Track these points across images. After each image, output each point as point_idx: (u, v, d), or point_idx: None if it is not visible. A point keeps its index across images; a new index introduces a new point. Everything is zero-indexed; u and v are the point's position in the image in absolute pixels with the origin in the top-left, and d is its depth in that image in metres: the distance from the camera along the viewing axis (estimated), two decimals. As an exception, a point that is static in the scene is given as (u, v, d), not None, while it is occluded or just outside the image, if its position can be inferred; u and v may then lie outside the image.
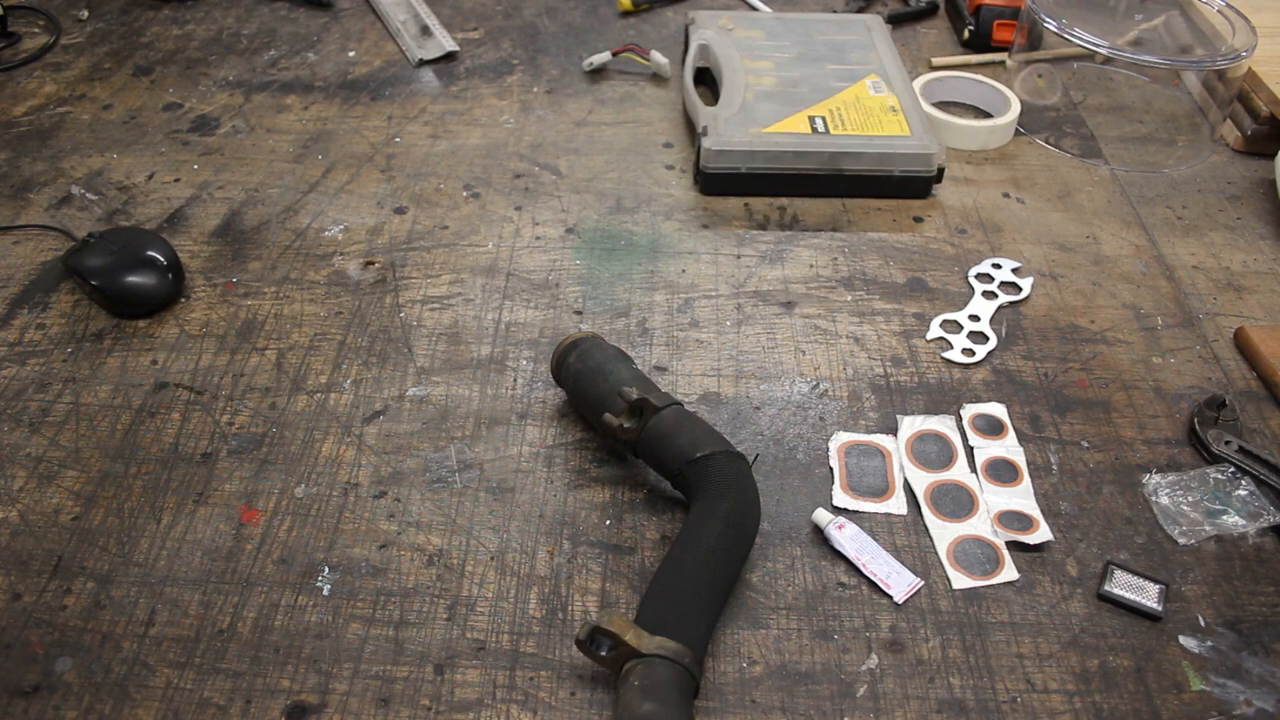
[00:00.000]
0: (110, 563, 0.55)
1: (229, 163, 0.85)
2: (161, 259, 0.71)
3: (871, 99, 0.86)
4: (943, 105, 0.93)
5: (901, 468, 0.61)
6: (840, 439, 0.63)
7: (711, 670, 0.51)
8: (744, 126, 0.82)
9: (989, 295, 0.73)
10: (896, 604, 0.54)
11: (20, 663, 0.51)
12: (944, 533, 0.58)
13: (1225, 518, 0.58)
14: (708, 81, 0.93)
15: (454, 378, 0.66)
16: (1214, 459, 0.62)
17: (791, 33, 0.95)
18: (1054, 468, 0.62)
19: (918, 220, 0.81)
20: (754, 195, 0.82)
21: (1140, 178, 0.86)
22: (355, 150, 0.87)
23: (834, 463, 0.61)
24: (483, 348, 0.68)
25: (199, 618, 0.53)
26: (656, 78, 0.97)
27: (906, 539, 0.57)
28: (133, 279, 0.69)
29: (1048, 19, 0.87)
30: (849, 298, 0.73)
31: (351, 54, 1.00)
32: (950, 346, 0.69)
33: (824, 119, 0.83)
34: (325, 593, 0.54)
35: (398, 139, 0.88)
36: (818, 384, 0.67)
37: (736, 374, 0.67)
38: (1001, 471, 0.61)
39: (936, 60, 1.00)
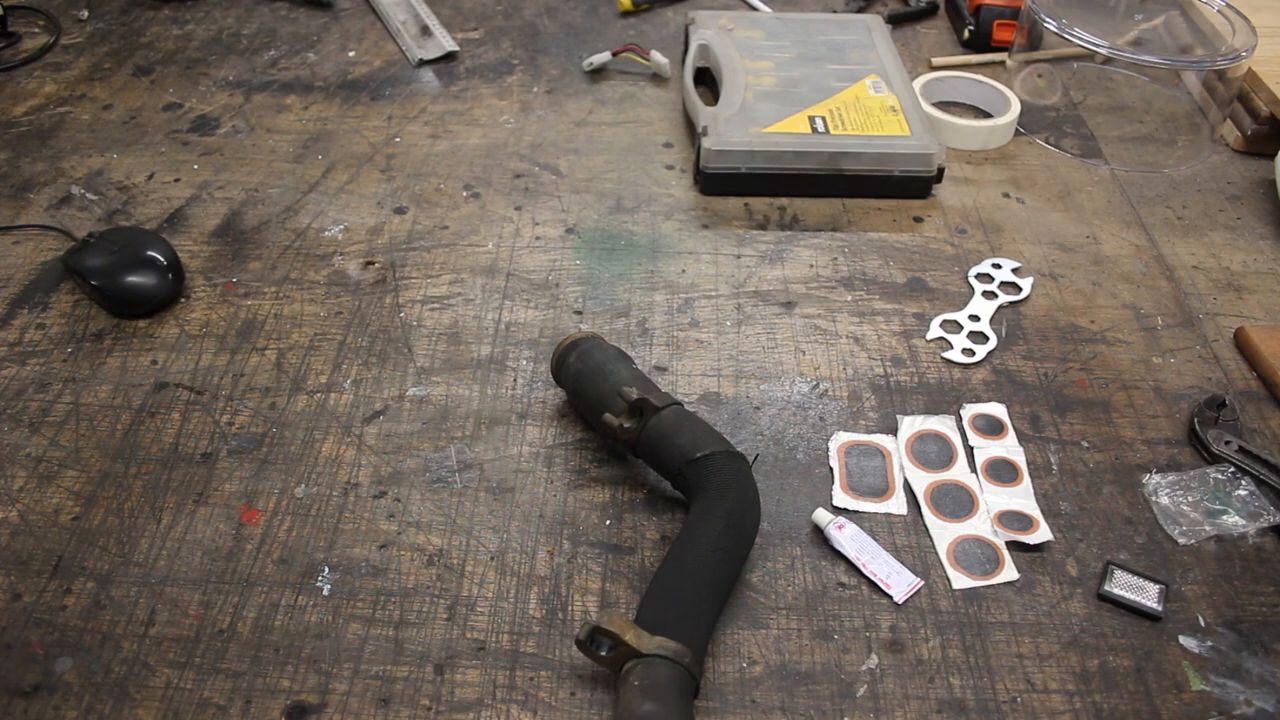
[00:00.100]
0: (110, 563, 0.55)
1: (229, 163, 0.85)
2: (161, 259, 0.71)
3: (871, 99, 0.86)
4: (943, 105, 0.93)
5: (901, 468, 0.61)
6: (840, 439, 0.63)
7: (711, 670, 0.51)
8: (744, 126, 0.82)
9: (989, 295, 0.73)
10: (896, 604, 0.54)
11: (20, 663, 0.51)
12: (944, 533, 0.58)
13: (1225, 518, 0.58)
14: (708, 81, 0.93)
15: (454, 378, 0.66)
16: (1214, 459, 0.62)
17: (791, 33, 0.95)
18: (1054, 468, 0.62)
19: (918, 220, 0.81)
20: (754, 195, 0.82)
21: (1140, 178, 0.86)
22: (355, 150, 0.87)
23: (834, 463, 0.61)
24: (483, 348, 0.68)
25: (199, 618, 0.53)
26: (656, 78, 0.97)
27: (906, 539, 0.57)
28: (133, 279, 0.69)
29: (1048, 19, 0.87)
30: (849, 298, 0.73)
31: (351, 54, 1.00)
32: (950, 346, 0.69)
33: (824, 119, 0.83)
34: (325, 593, 0.54)
35: (398, 139, 0.88)
36: (818, 384, 0.67)
37: (736, 374, 0.67)
38: (1001, 471, 0.61)
39: (936, 60, 1.00)
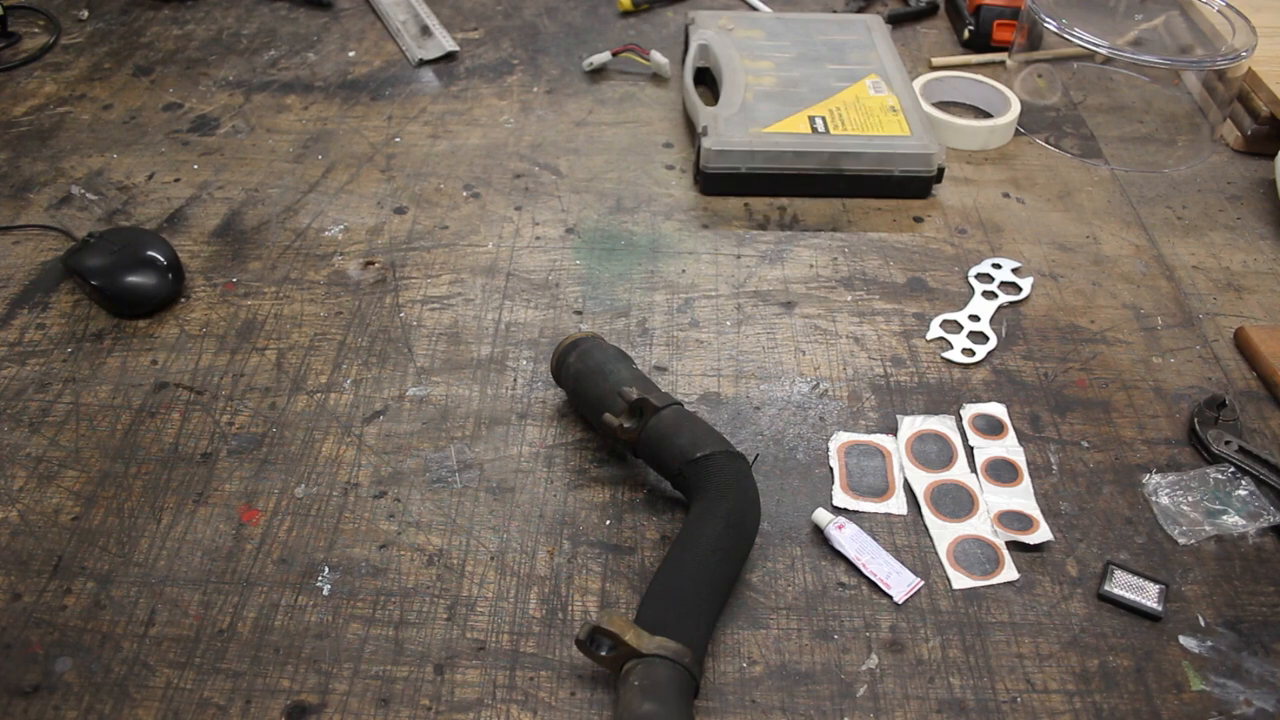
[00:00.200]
0: (110, 563, 0.55)
1: (229, 163, 0.85)
2: (161, 259, 0.71)
3: (871, 99, 0.86)
4: (943, 105, 0.93)
5: (901, 468, 0.61)
6: (840, 439, 0.63)
7: (711, 670, 0.51)
8: (744, 126, 0.82)
9: (989, 295, 0.73)
10: (896, 604, 0.54)
11: (20, 663, 0.51)
12: (944, 533, 0.58)
13: (1225, 518, 0.58)
14: (708, 81, 0.93)
15: (454, 378, 0.66)
16: (1214, 459, 0.62)
17: (791, 33, 0.95)
18: (1054, 468, 0.62)
19: (918, 220, 0.81)
20: (754, 195, 0.82)
21: (1140, 178, 0.86)
22: (355, 150, 0.87)
23: (834, 463, 0.61)
24: (483, 348, 0.68)
25: (199, 618, 0.53)
26: (656, 78, 0.97)
27: (906, 539, 0.57)
28: (133, 279, 0.69)
29: (1048, 19, 0.87)
30: (849, 298, 0.73)
31: (351, 54, 1.00)
32: (950, 346, 0.69)
33: (824, 119, 0.83)
34: (325, 593, 0.54)
35: (398, 139, 0.88)
36: (818, 384, 0.67)
37: (736, 374, 0.67)
38: (1001, 471, 0.61)
39: (936, 60, 1.00)
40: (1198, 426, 0.63)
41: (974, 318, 0.71)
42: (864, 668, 0.51)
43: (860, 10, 1.09)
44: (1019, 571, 0.56)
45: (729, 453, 0.55)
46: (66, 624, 0.52)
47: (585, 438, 0.63)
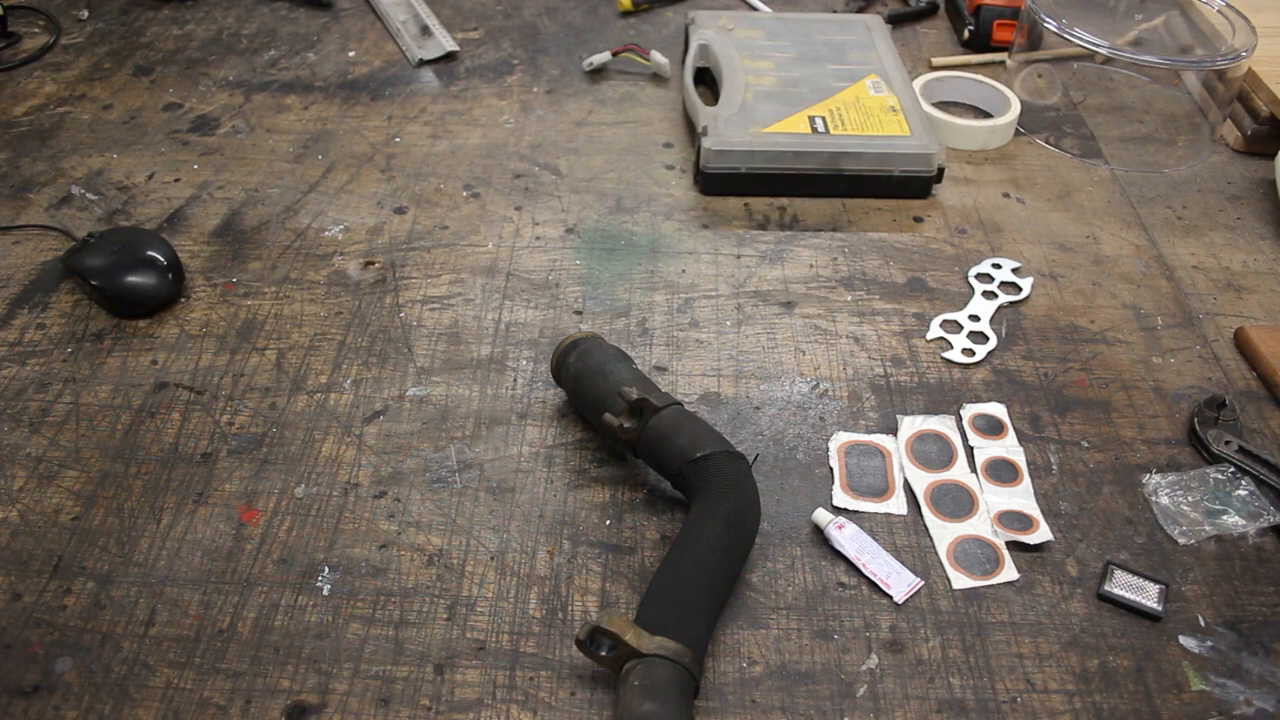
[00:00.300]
0: (110, 563, 0.55)
1: (229, 163, 0.85)
2: (161, 259, 0.71)
3: (871, 99, 0.86)
4: (943, 105, 0.93)
5: (901, 468, 0.61)
6: (840, 439, 0.63)
7: (711, 670, 0.51)
8: (744, 126, 0.82)
9: (989, 295, 0.73)
10: (896, 604, 0.54)
11: (20, 663, 0.51)
12: (944, 533, 0.58)
13: (1225, 518, 0.58)
14: (708, 81, 0.93)
15: (454, 378, 0.66)
16: (1214, 459, 0.62)
17: (791, 33, 0.95)
18: (1054, 468, 0.62)
19: (918, 220, 0.81)
20: (754, 195, 0.82)
21: (1140, 178, 0.86)
22: (355, 150, 0.87)
23: (834, 463, 0.61)
24: (483, 348, 0.68)
25: (199, 618, 0.53)
26: (656, 78, 0.97)
27: (906, 539, 0.57)
28: (133, 279, 0.69)
29: (1048, 19, 0.87)
30: (849, 298, 0.73)
31: (351, 54, 1.00)
32: (950, 346, 0.69)
33: (824, 119, 0.83)
34: (325, 593, 0.54)
35: (398, 139, 0.88)
36: (818, 384, 0.67)
37: (736, 374, 0.67)
38: (1001, 471, 0.61)
39: (936, 60, 1.00)
40: (1198, 426, 0.63)
41: (974, 318, 0.71)
42: (864, 668, 0.51)
43: (860, 10, 1.09)
44: (1019, 571, 0.56)
45: (729, 453, 0.55)
46: (66, 624, 0.52)
47: (585, 438, 0.63)
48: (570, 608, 0.54)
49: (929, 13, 1.08)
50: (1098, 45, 0.85)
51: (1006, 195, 0.84)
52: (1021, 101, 0.90)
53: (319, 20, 1.06)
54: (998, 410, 0.65)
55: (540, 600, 0.54)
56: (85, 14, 1.05)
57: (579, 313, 0.71)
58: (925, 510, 0.59)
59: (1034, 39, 0.95)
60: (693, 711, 0.48)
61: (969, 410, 0.65)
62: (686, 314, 0.71)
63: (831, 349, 0.69)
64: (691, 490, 0.55)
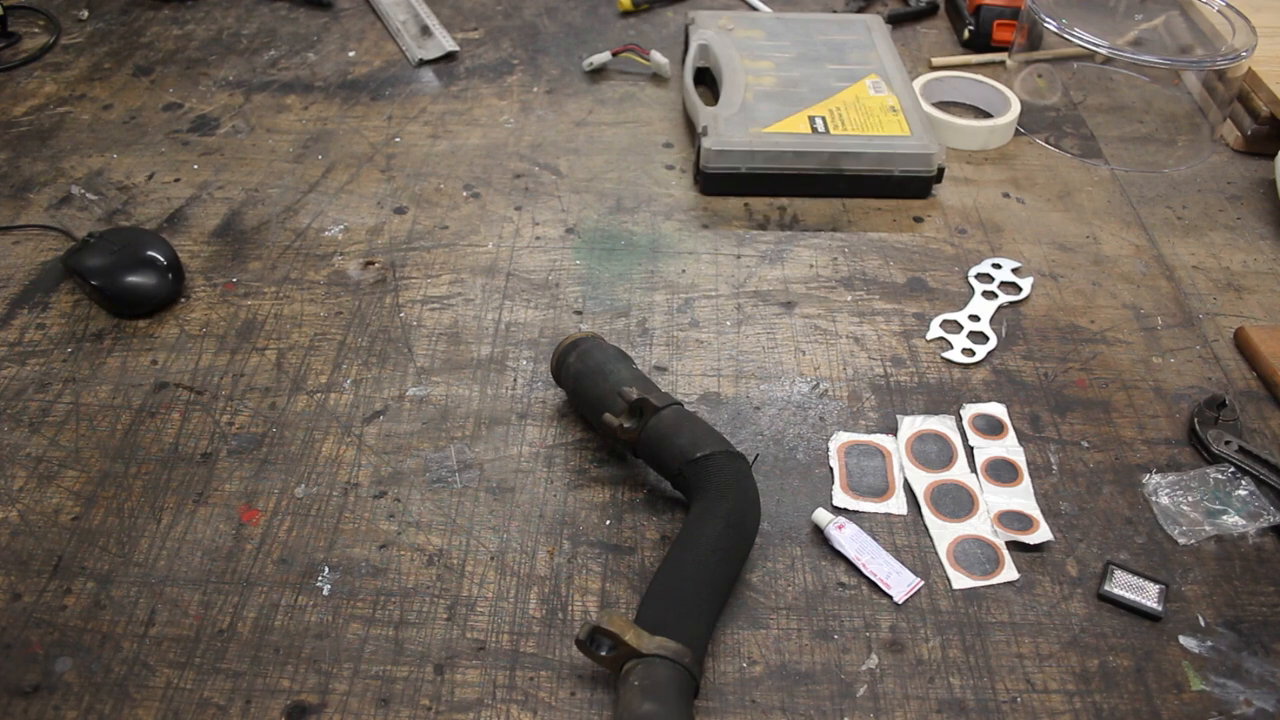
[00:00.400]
0: (110, 563, 0.55)
1: (229, 163, 0.85)
2: (161, 259, 0.71)
3: (871, 99, 0.86)
4: (943, 105, 0.93)
5: (901, 468, 0.61)
6: (840, 439, 0.63)
7: (711, 670, 0.51)
8: (744, 126, 0.82)
9: (989, 295, 0.73)
10: (896, 604, 0.54)
11: (20, 663, 0.51)
12: (944, 533, 0.58)
13: (1225, 518, 0.58)
14: (708, 81, 0.93)
15: (454, 378, 0.66)
16: (1214, 459, 0.62)
17: (791, 33, 0.95)
18: (1054, 468, 0.62)
19: (918, 220, 0.81)
20: (754, 195, 0.82)
21: (1140, 178, 0.86)
22: (355, 150, 0.87)
23: (834, 463, 0.61)
24: (483, 348, 0.68)
25: (199, 618, 0.53)
26: (656, 78, 0.97)
27: (906, 539, 0.57)
28: (133, 279, 0.69)
29: (1048, 19, 0.87)
30: (849, 298, 0.73)
31: (351, 54, 1.00)
32: (950, 346, 0.69)
33: (824, 119, 0.83)
34: (325, 593, 0.54)
35: (398, 139, 0.88)
36: (818, 384, 0.67)
37: (736, 374, 0.67)
38: (1001, 471, 0.61)
39: (936, 60, 1.00)
40: (1198, 426, 0.63)
41: (974, 318, 0.71)
42: (864, 668, 0.51)
43: (860, 10, 1.09)
44: (1019, 571, 0.56)
45: (729, 453, 0.55)
46: (66, 624, 0.52)
47: (585, 438, 0.63)
48: (570, 608, 0.54)
49: (929, 13, 1.08)
50: (1098, 45, 0.85)
51: (1006, 195, 0.84)
52: (1021, 101, 0.90)
53: (319, 20, 1.06)
54: (998, 410, 0.65)
55: (540, 600, 0.54)
56: (85, 14, 1.05)
57: (579, 313, 0.71)
58: (925, 510, 0.59)
59: (1034, 39, 0.95)
60: (693, 711, 0.48)
61: (969, 410, 0.65)
62: (686, 314, 0.71)
63: (831, 349, 0.69)
64: (691, 490, 0.55)
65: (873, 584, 0.55)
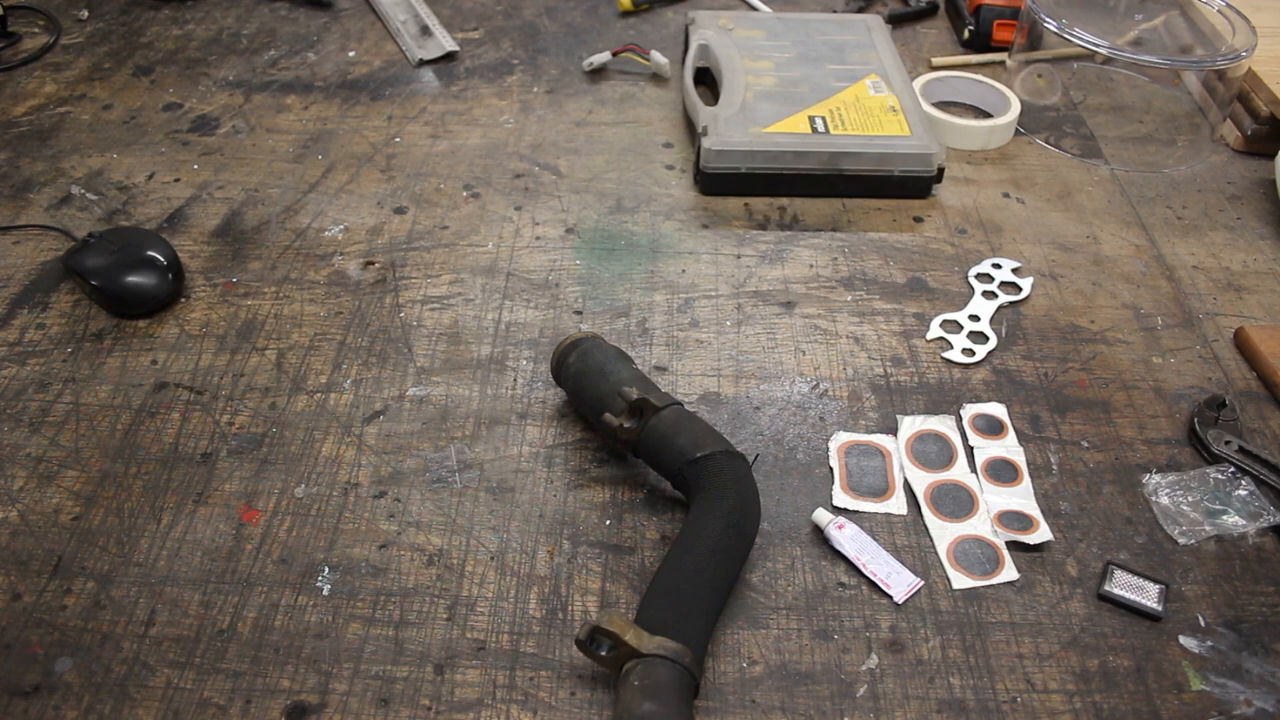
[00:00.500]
0: (110, 563, 0.55)
1: (229, 163, 0.85)
2: (161, 259, 0.71)
3: (871, 99, 0.86)
4: (943, 105, 0.93)
5: (901, 468, 0.61)
6: (840, 439, 0.63)
7: (711, 670, 0.51)
8: (744, 126, 0.82)
9: (989, 295, 0.73)
10: (896, 604, 0.54)
11: (20, 663, 0.51)
12: (944, 533, 0.58)
13: (1225, 518, 0.58)
14: (708, 81, 0.93)
15: (454, 378, 0.66)
16: (1214, 459, 0.62)
17: (791, 33, 0.95)
18: (1054, 468, 0.62)
19: (918, 220, 0.81)
20: (754, 195, 0.82)
21: (1140, 178, 0.86)
22: (355, 150, 0.87)
23: (834, 463, 0.61)
24: (483, 348, 0.69)
25: (199, 618, 0.53)
26: (656, 78, 0.97)
27: (906, 539, 0.57)
28: (133, 279, 0.69)
29: (1048, 19, 0.87)
30: (849, 298, 0.73)
31: (351, 54, 1.00)
32: (950, 346, 0.69)
33: (824, 119, 0.83)
34: (325, 593, 0.54)
35: (398, 139, 0.88)
36: (818, 384, 0.67)
37: (736, 374, 0.67)
38: (1001, 471, 0.61)
39: (936, 60, 1.00)
40: (1198, 426, 0.63)
41: (974, 318, 0.71)
42: (864, 668, 0.51)
43: (860, 10, 1.09)
44: (1019, 571, 0.56)
45: (729, 453, 0.55)
46: (66, 624, 0.52)
47: (585, 438, 0.63)
48: (570, 608, 0.54)
49: (929, 13, 1.08)
50: (1098, 45, 0.85)
51: (1006, 195, 0.84)
52: (1021, 101, 0.90)
53: (319, 20, 1.06)
54: (998, 410, 0.65)
55: (540, 600, 0.54)
56: (85, 14, 1.05)
57: (579, 313, 0.71)
58: (925, 510, 0.59)
59: (1034, 39, 0.95)
60: (693, 711, 0.48)
61: (969, 410, 0.65)
62: (686, 314, 0.71)
63: (831, 349, 0.69)
64: (691, 490, 0.55)
65: (873, 584, 0.55)
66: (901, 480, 0.61)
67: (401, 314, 0.71)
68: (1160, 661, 0.52)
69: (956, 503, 0.59)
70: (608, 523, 0.58)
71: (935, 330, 0.70)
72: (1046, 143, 0.90)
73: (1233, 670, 0.52)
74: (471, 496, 0.59)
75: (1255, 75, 0.88)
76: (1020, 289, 0.74)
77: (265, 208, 0.80)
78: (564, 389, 0.63)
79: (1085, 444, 0.63)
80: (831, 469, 0.61)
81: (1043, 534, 0.57)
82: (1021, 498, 0.60)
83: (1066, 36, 0.86)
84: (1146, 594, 0.54)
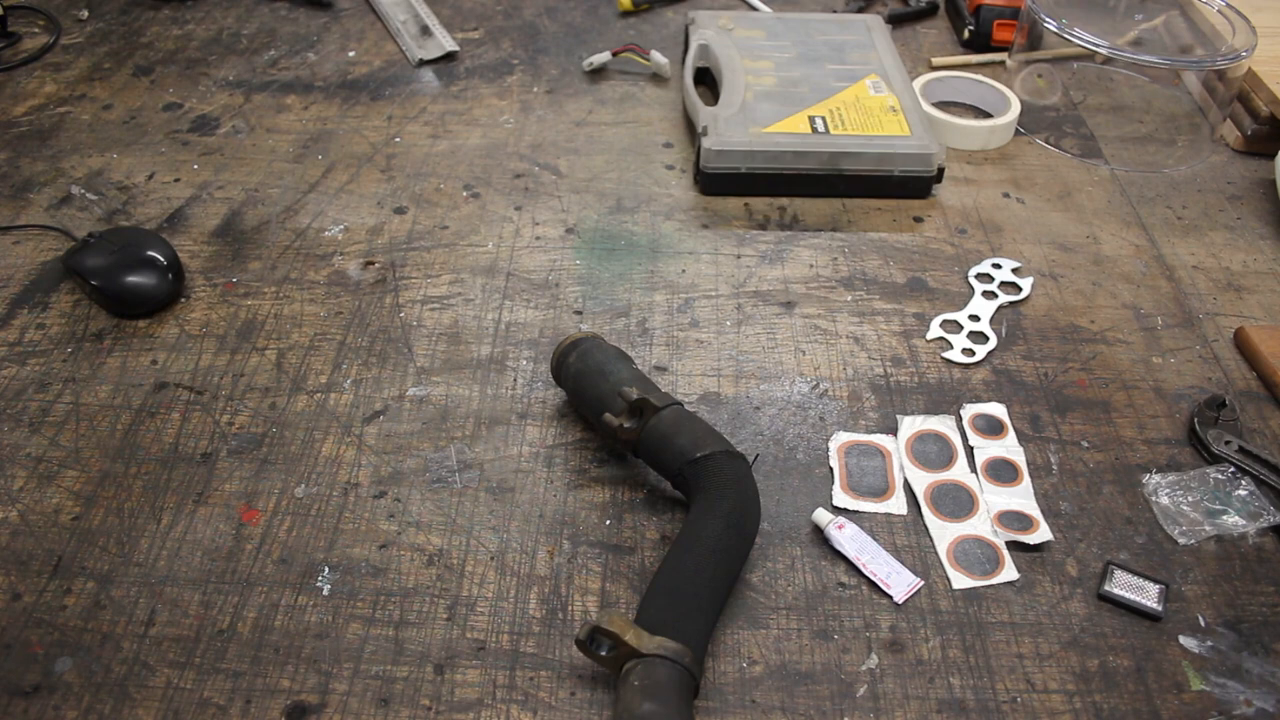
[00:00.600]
0: (110, 563, 0.55)
1: (229, 163, 0.85)
2: (161, 259, 0.71)
3: (871, 99, 0.86)
4: (943, 105, 0.93)
5: (901, 468, 0.61)
6: (840, 439, 0.63)
7: (711, 670, 0.51)
8: (744, 126, 0.82)
9: (989, 295, 0.73)
10: (896, 604, 0.54)
11: (20, 663, 0.51)
12: (944, 533, 0.58)
13: (1225, 518, 0.58)
14: (708, 81, 0.93)
15: (454, 378, 0.66)
16: (1214, 459, 0.62)
17: (791, 33, 0.95)
18: (1054, 468, 0.62)
19: (918, 220, 0.81)
20: (754, 195, 0.82)
21: (1140, 178, 0.86)
22: (355, 150, 0.87)
23: (834, 463, 0.61)
24: (483, 348, 0.69)
25: (199, 618, 0.53)
26: (656, 78, 0.97)
27: (906, 539, 0.57)
28: (133, 279, 0.69)
29: (1048, 19, 0.87)
30: (849, 298, 0.73)
31: (351, 54, 1.00)
32: (950, 346, 0.69)
33: (824, 119, 0.83)
34: (325, 593, 0.54)
35: (398, 139, 0.88)
36: (818, 384, 0.67)
37: (736, 374, 0.67)
38: (1001, 471, 0.61)
39: (936, 60, 1.00)
40: (1198, 426, 0.63)
41: (974, 318, 0.71)
42: (864, 668, 0.51)
43: (860, 10, 1.09)
44: (1019, 571, 0.56)
45: (729, 453, 0.55)
46: (66, 624, 0.52)
47: (585, 438, 0.63)
48: (570, 608, 0.54)
49: (929, 13, 1.08)
50: (1098, 45, 0.85)
51: (1006, 195, 0.84)
52: (1021, 101, 0.90)
53: (319, 20, 1.06)
54: (998, 410, 0.65)
55: (540, 600, 0.54)
56: (85, 14, 1.05)
57: (579, 313, 0.71)
58: (925, 510, 0.59)
59: (1034, 39, 0.95)
60: (693, 711, 0.48)
61: (969, 410, 0.65)
62: (686, 314, 0.71)
63: (831, 349, 0.69)
64: (691, 490, 0.55)
65: (873, 584, 0.55)
66: (901, 480, 0.61)
67: (401, 314, 0.71)
68: (1160, 661, 0.52)
69: (956, 503, 0.59)
70: (608, 523, 0.58)
71: (935, 330, 0.70)
72: (1046, 143, 0.90)
73: (1233, 670, 0.52)
74: (471, 496, 0.59)
75: (1255, 75, 0.88)
76: (1020, 289, 0.74)
77: (265, 208, 0.80)
78: (564, 389, 0.63)
79: (1085, 444, 0.63)
80: (831, 469, 0.61)
81: (1043, 534, 0.57)
82: (1021, 498, 0.60)
83: (1066, 36, 0.86)
84: (1146, 594, 0.54)
